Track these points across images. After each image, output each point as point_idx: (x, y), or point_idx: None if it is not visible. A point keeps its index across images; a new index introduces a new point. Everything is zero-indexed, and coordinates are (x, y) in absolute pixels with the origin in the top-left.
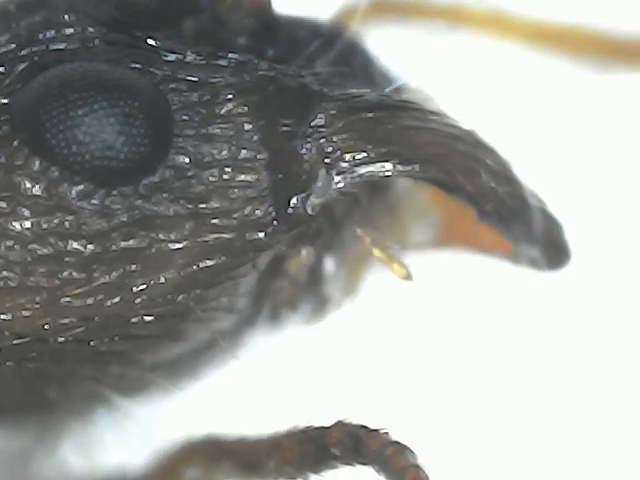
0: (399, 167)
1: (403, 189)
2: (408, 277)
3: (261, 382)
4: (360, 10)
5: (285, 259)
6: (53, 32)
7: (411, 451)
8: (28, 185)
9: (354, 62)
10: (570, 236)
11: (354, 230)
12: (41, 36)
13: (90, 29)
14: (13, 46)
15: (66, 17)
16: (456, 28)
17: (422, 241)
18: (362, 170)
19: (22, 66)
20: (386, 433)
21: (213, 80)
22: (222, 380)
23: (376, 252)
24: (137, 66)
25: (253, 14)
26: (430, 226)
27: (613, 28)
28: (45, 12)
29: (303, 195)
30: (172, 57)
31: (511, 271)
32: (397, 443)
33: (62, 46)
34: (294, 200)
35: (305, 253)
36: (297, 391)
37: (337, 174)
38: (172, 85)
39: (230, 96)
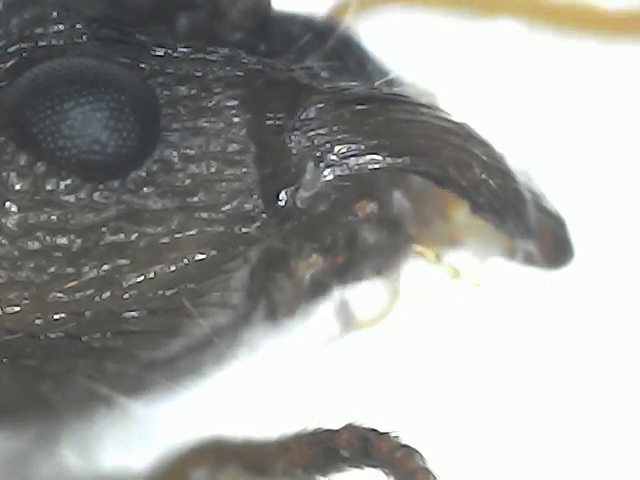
0: (389, 160)
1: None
2: (456, 275)
3: (270, 384)
4: (353, 4)
5: (292, 258)
6: (42, 29)
7: (421, 455)
8: (15, 180)
9: (348, 56)
10: (574, 233)
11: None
12: (30, 33)
13: (79, 25)
14: (2, 43)
15: (55, 14)
16: (455, 12)
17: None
18: (351, 162)
19: (10, 62)
20: (396, 436)
21: (201, 74)
22: (230, 381)
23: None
24: (125, 61)
25: (252, 10)
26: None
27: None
28: (35, 9)
29: (292, 188)
30: (161, 51)
31: (516, 271)
32: (407, 446)
33: (51, 42)
34: (283, 193)
35: (314, 259)
36: (307, 393)
37: (326, 167)
38: (160, 79)
39: (219, 90)
